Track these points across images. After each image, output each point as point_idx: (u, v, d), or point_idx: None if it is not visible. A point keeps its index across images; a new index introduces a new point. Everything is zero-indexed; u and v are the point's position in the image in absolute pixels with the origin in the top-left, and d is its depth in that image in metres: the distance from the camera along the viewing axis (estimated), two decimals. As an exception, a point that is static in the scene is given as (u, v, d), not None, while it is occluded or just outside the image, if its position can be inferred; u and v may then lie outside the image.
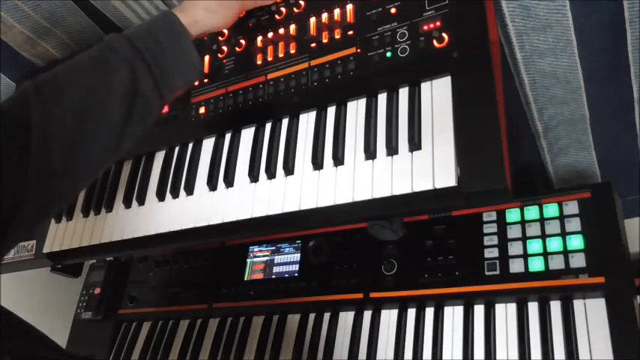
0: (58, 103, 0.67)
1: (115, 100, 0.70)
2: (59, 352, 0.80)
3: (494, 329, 0.84)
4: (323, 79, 0.81)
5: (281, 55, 0.87)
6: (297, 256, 1.08)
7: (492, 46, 0.69)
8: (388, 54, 0.76)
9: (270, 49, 0.89)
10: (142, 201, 0.93)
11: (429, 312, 0.91)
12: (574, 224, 0.85)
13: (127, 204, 0.94)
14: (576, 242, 0.83)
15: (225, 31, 0.94)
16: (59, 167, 0.67)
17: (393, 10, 0.78)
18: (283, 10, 0.89)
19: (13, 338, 0.70)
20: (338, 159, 0.75)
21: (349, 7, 0.82)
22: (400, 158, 0.70)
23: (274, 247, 1.11)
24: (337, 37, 0.82)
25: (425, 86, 0.73)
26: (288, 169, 0.79)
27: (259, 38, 0.90)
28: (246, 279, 1.11)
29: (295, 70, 0.85)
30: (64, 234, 1.00)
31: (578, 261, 0.82)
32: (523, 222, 0.89)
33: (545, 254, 0.85)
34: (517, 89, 0.92)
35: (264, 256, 1.12)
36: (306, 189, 0.76)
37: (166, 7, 1.05)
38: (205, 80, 0.94)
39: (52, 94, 0.68)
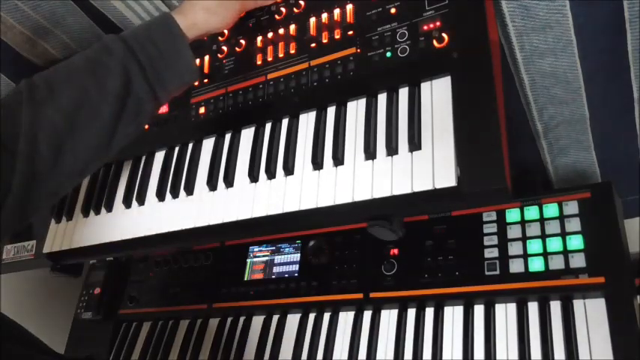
0: (49, 104, 0.68)
1: (106, 101, 0.71)
2: (54, 356, 0.80)
3: (494, 329, 0.84)
4: (323, 79, 0.81)
5: (281, 55, 0.87)
6: (297, 256, 1.08)
7: (492, 46, 0.69)
8: (388, 54, 0.76)
9: (270, 49, 0.89)
10: (141, 201, 0.93)
11: (429, 312, 0.91)
12: (574, 224, 0.85)
13: (127, 204, 0.94)
14: (576, 242, 0.83)
15: (225, 31, 0.95)
16: (46, 168, 0.68)
17: (393, 10, 0.78)
18: (283, 10, 0.89)
19: (12, 340, 0.70)
20: (338, 159, 0.75)
21: (349, 7, 0.82)
22: (400, 158, 0.70)
23: (274, 247, 1.11)
24: (337, 37, 0.82)
25: (425, 86, 0.73)
26: (288, 169, 0.79)
27: (259, 38, 0.90)
28: (246, 279, 1.11)
29: (295, 70, 0.85)
30: (64, 234, 1.00)
31: (578, 261, 0.82)
32: (523, 222, 0.89)
33: (545, 254, 0.85)
34: (517, 89, 0.92)
35: (264, 256, 1.12)
36: (306, 189, 0.76)
37: (166, 7, 1.05)
38: (205, 80, 0.94)
39: (44, 94, 0.69)
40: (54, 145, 0.68)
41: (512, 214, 0.90)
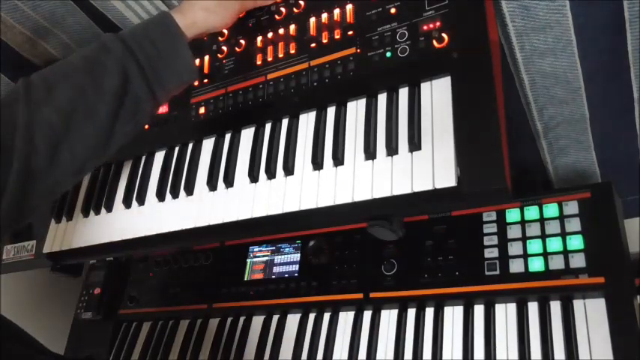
0: (46, 103, 0.68)
1: (104, 101, 0.71)
2: (52, 356, 0.81)
3: (494, 329, 0.84)
4: (323, 79, 0.81)
5: (281, 55, 0.87)
6: (297, 256, 1.08)
7: (492, 46, 0.69)
8: (388, 54, 0.76)
9: (270, 49, 0.89)
10: (141, 201, 0.93)
11: (429, 312, 0.91)
12: (574, 224, 0.85)
13: (127, 204, 0.94)
14: (576, 242, 0.83)
15: (225, 31, 0.95)
16: (43, 167, 0.68)
17: (393, 10, 0.78)
18: (283, 10, 0.89)
19: (12, 339, 0.70)
20: (338, 159, 0.75)
21: (349, 7, 0.82)
22: (400, 158, 0.70)
23: (274, 247, 1.11)
24: (337, 37, 0.82)
25: (425, 86, 0.73)
26: (288, 169, 0.79)
27: (259, 38, 0.90)
28: (246, 279, 1.11)
29: (295, 70, 0.85)
30: (64, 234, 1.00)
31: (578, 261, 0.82)
32: (523, 222, 0.89)
33: (545, 254, 0.85)
34: (517, 89, 0.92)
35: (264, 256, 1.12)
36: (306, 189, 0.76)
37: (166, 7, 1.05)
38: (205, 80, 0.94)
39: (41, 93, 0.69)
40: (51, 145, 0.68)
41: (512, 214, 0.90)
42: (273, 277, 1.08)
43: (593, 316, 0.79)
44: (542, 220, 0.87)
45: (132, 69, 0.72)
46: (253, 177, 0.82)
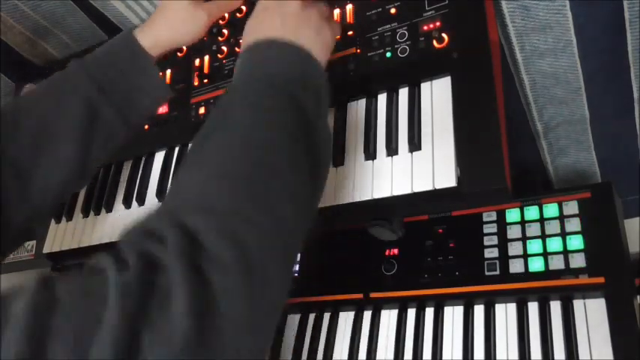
0: (12, 138, 0.68)
1: (70, 129, 0.71)
2: None
3: (494, 329, 0.84)
4: (323, 79, 0.81)
5: (281, 55, 0.87)
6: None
7: (492, 46, 0.69)
8: (388, 54, 0.76)
9: (270, 49, 0.88)
10: (142, 201, 0.93)
11: (429, 312, 0.91)
12: (574, 224, 0.85)
13: (127, 204, 0.94)
14: (576, 242, 0.83)
15: (225, 31, 0.94)
16: (13, 201, 0.67)
17: (393, 11, 0.78)
18: (283, 10, 0.89)
19: None
20: (337, 159, 0.75)
21: (349, 7, 0.82)
22: (400, 159, 0.70)
23: (274, 247, 1.11)
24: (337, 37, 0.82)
25: (425, 86, 0.73)
26: (288, 170, 0.79)
27: (259, 38, 0.90)
28: (246, 279, 1.10)
29: (295, 70, 0.84)
30: (64, 234, 1.00)
31: (578, 261, 0.82)
32: (523, 222, 0.89)
33: (545, 254, 0.85)
34: (517, 89, 0.92)
35: (264, 256, 1.11)
36: (306, 189, 0.76)
37: (166, 7, 1.04)
38: (205, 80, 0.94)
39: (9, 128, 0.69)
40: (19, 180, 0.68)
41: (512, 214, 0.90)
42: (273, 277, 1.08)
43: (593, 316, 0.79)
44: (542, 220, 0.87)
45: (95, 96, 0.72)
46: (253, 177, 0.82)
